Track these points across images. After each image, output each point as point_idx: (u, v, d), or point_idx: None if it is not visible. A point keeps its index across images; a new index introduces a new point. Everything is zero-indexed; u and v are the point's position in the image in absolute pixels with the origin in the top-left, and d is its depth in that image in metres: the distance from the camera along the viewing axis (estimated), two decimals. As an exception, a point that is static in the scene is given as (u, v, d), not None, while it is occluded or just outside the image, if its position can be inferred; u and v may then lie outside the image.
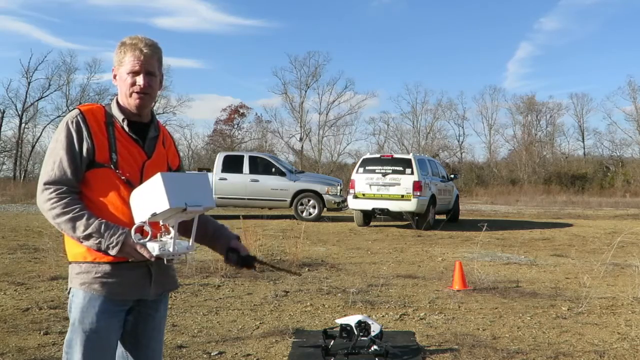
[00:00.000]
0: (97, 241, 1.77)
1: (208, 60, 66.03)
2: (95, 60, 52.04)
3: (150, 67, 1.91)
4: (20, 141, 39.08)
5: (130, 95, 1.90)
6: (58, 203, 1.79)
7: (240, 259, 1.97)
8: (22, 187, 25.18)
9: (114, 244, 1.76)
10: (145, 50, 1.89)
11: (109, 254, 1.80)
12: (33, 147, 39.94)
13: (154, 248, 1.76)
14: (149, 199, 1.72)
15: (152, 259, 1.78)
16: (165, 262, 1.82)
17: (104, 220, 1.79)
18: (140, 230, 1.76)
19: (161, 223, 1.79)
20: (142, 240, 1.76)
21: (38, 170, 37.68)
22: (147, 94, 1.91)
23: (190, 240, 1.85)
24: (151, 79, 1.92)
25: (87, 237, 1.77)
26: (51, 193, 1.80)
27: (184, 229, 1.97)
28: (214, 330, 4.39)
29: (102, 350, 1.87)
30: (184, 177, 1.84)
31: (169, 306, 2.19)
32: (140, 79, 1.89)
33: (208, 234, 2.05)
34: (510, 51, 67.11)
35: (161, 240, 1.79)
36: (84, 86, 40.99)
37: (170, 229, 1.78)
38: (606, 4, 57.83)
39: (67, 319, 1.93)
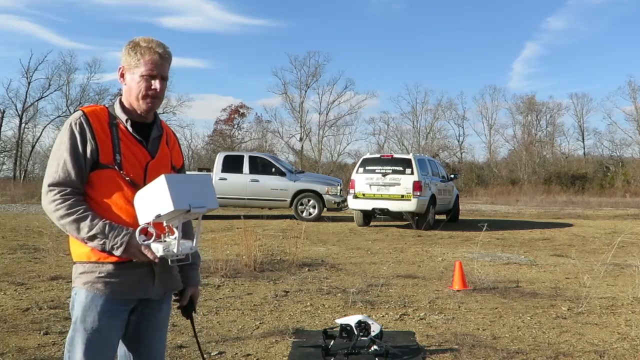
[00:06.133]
0: (101, 242, 1.78)
1: (210, 60, 66.17)
2: (95, 60, 52.29)
3: (165, 72, 1.93)
4: (20, 141, 39.06)
5: (144, 97, 1.91)
6: (62, 204, 1.80)
7: (181, 307, 2.13)
8: (22, 187, 25.19)
9: (118, 244, 1.77)
10: (164, 56, 1.91)
11: (113, 255, 1.80)
12: (33, 147, 39.93)
13: (157, 249, 1.77)
14: (153, 200, 1.72)
15: (156, 260, 1.78)
16: (169, 262, 1.82)
17: (108, 221, 1.80)
18: (145, 231, 1.77)
19: (165, 224, 1.79)
20: (146, 242, 1.77)
21: (38, 170, 37.77)
22: (158, 98, 1.94)
23: (194, 240, 1.86)
24: (164, 83, 1.94)
25: (92, 238, 1.78)
26: (55, 195, 1.82)
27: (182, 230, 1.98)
28: (214, 330, 4.39)
29: (103, 349, 1.87)
30: (188, 178, 1.84)
31: (171, 306, 2.19)
32: (156, 83, 1.90)
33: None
34: (516, 51, 67.22)
35: (165, 241, 1.79)
36: (84, 86, 41.05)
37: (174, 229, 1.79)
38: (615, 3, 57.80)
39: (67, 318, 1.94)
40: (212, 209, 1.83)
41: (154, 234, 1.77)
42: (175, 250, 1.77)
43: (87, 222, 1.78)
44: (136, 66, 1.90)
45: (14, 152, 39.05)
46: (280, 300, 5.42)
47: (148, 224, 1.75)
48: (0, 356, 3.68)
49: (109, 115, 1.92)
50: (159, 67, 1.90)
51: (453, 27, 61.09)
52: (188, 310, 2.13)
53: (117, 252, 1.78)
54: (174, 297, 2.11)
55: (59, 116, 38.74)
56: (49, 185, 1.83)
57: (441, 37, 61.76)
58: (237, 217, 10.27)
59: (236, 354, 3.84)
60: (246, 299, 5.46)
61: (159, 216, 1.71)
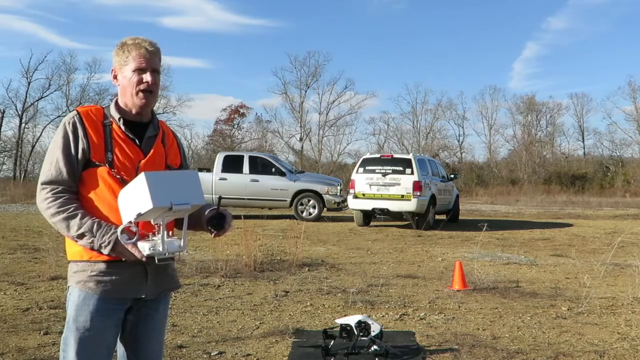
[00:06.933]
0: (89, 240, 1.79)
1: (210, 60, 66.17)
2: (95, 60, 51.90)
3: (156, 65, 1.95)
4: (20, 141, 39.07)
5: (137, 93, 1.92)
6: (54, 202, 1.82)
7: (215, 223, 1.91)
8: (22, 187, 25.16)
9: (105, 243, 1.77)
10: (150, 49, 1.94)
11: (102, 253, 1.81)
12: (33, 147, 39.93)
13: (144, 248, 1.75)
14: (134, 199, 1.71)
15: (143, 259, 1.78)
16: (156, 261, 1.78)
17: (97, 220, 1.80)
18: (129, 230, 1.76)
19: (153, 222, 1.78)
20: (131, 240, 1.75)
21: (38, 171, 37.66)
22: (152, 92, 1.94)
23: (182, 239, 1.82)
24: (156, 76, 1.95)
25: (81, 236, 1.80)
26: (48, 192, 1.84)
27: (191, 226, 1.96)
28: (214, 330, 4.39)
29: (96, 349, 1.87)
30: (171, 175, 1.83)
31: (169, 306, 2.18)
32: (147, 76, 1.92)
33: (198, 221, 1.97)
34: (517, 51, 67.09)
35: (153, 240, 1.78)
36: (84, 86, 41.01)
37: (161, 228, 1.77)
38: (616, 3, 57.72)
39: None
40: (198, 206, 1.81)
41: (137, 233, 1.76)
42: (160, 249, 1.75)
43: (77, 220, 1.79)
44: (125, 63, 1.93)
45: (14, 152, 39.06)
46: (280, 300, 5.43)
47: (130, 223, 1.74)
48: (0, 356, 3.68)
49: (103, 115, 1.93)
50: (148, 60, 1.92)
51: (453, 27, 61.11)
52: (218, 220, 1.91)
53: (105, 251, 1.79)
54: (209, 215, 1.93)
55: (59, 116, 38.73)
56: (42, 183, 1.87)
57: (441, 37, 61.76)
58: (237, 217, 10.24)
59: (236, 354, 3.84)
60: (246, 299, 5.46)
61: (140, 215, 1.69)
